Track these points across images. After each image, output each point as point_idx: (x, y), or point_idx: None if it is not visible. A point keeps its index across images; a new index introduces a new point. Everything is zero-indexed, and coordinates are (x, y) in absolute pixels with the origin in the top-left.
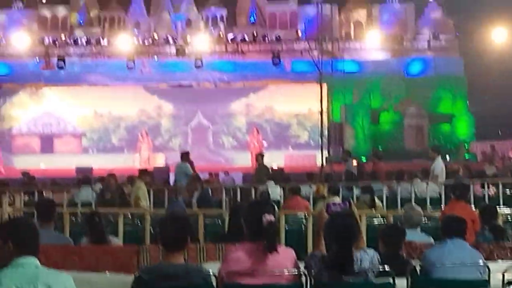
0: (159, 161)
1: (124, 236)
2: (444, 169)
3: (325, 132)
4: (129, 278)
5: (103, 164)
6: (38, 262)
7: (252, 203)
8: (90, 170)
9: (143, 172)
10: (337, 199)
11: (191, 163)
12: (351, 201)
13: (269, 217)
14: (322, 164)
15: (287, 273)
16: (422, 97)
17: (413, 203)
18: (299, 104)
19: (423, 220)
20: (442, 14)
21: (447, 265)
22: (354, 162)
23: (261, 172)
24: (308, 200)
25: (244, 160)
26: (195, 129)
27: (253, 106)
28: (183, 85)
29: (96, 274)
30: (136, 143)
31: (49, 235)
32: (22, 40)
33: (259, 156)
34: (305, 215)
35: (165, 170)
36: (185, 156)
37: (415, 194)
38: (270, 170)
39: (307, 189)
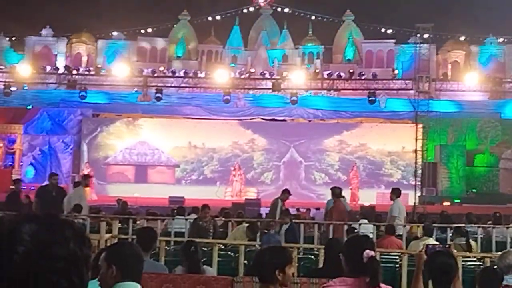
0: (251, 194)
1: (218, 267)
2: (403, 210)
3: (419, 172)
4: None
5: (195, 195)
6: (140, 287)
7: (353, 238)
8: (182, 200)
9: (252, 228)
10: (432, 241)
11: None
12: (450, 244)
13: (370, 253)
14: (415, 204)
15: None
16: None
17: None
18: (393, 142)
19: None
20: None
21: None
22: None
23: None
24: (401, 240)
25: None
26: (287, 164)
27: (346, 143)
28: (277, 119)
29: None
30: (228, 176)
31: (146, 262)
32: (121, 71)
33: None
34: (399, 255)
35: (256, 203)
36: (336, 190)
37: (511, 238)
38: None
39: (400, 229)
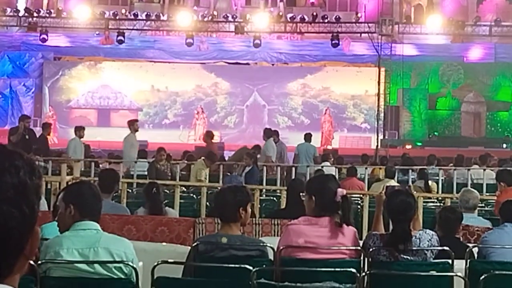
0: (214, 138)
1: (180, 209)
2: (275, 149)
3: (381, 115)
4: (185, 249)
5: (159, 139)
6: (99, 226)
7: (320, 177)
8: (145, 144)
9: (210, 157)
10: (393, 182)
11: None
12: (410, 184)
13: (343, 191)
14: (377, 147)
15: (348, 250)
16: (481, 83)
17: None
18: (356, 86)
19: (480, 204)
20: (505, 0)
21: (507, 247)
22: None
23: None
24: (363, 182)
25: (299, 141)
26: (250, 108)
27: (310, 87)
28: (241, 63)
29: (152, 244)
30: (191, 120)
31: (108, 204)
32: (82, 13)
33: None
34: (360, 196)
35: (220, 147)
36: (308, 136)
37: (471, 180)
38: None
39: (362, 171)
